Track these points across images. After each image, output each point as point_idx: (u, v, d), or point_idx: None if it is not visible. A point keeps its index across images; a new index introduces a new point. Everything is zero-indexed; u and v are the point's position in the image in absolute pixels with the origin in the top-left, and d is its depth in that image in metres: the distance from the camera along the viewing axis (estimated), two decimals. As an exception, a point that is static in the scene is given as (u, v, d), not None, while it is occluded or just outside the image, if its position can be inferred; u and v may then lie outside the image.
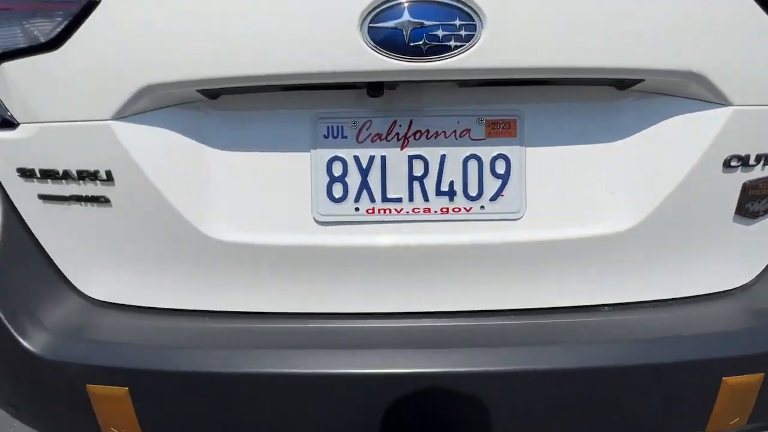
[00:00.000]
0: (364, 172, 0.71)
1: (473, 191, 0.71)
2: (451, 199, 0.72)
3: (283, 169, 0.72)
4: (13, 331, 0.73)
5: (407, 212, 0.72)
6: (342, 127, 0.71)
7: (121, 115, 0.66)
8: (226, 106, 0.71)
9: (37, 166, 0.73)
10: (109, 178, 0.70)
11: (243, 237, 0.72)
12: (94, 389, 0.71)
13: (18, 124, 0.73)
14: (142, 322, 0.76)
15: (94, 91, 0.66)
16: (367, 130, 0.71)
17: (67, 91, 0.67)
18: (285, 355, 0.69)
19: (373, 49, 0.59)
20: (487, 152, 0.71)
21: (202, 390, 0.69)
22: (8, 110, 0.73)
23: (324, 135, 0.71)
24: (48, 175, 0.73)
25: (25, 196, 0.78)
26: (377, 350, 0.69)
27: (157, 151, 0.69)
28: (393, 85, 0.66)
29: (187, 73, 0.62)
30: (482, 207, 0.72)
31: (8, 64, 0.69)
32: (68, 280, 0.82)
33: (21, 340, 0.72)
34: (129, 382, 0.70)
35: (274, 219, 0.73)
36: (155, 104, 0.68)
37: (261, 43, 0.61)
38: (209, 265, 0.74)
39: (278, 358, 0.68)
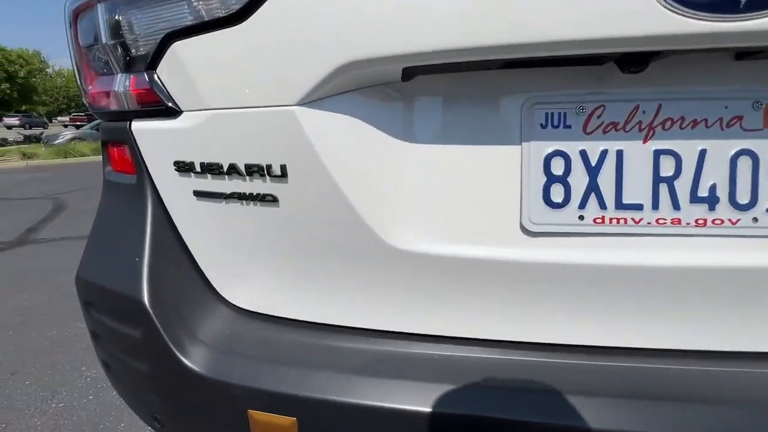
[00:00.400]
0: (594, 171, 0.56)
1: (743, 198, 0.54)
2: (712, 208, 0.55)
3: (485, 167, 0.58)
4: (168, 341, 0.65)
5: (649, 223, 0.56)
6: (564, 114, 0.56)
7: (308, 100, 0.56)
8: (421, 90, 0.59)
9: (198, 159, 0.65)
10: (283, 173, 0.60)
11: (432, 248, 0.59)
12: (257, 416, 0.61)
13: (181, 111, 0.65)
14: (305, 339, 0.66)
15: (279, 72, 0.56)
16: (598, 117, 0.56)
17: (247, 72, 0.57)
18: (489, 395, 0.56)
19: (666, 5, 0.43)
20: (765, 147, 0.53)
21: (389, 428, 0.57)
22: (171, 96, 0.65)
23: (541, 124, 0.57)
24: (210, 169, 0.65)
25: (178, 193, 0.71)
26: (606, 399, 0.54)
27: (341, 143, 0.58)
28: (656, 57, 0.50)
29: (400, 46, 0.50)
30: (755, 219, 0.54)
31: (178, 44, 0.61)
32: (217, 287, 0.74)
33: (177, 353, 0.65)
34: (299, 411, 0.60)
35: (471, 227, 0.59)
36: (342, 87, 0.57)
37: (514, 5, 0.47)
38: (389, 279, 0.62)
39: (482, 399, 0.55)
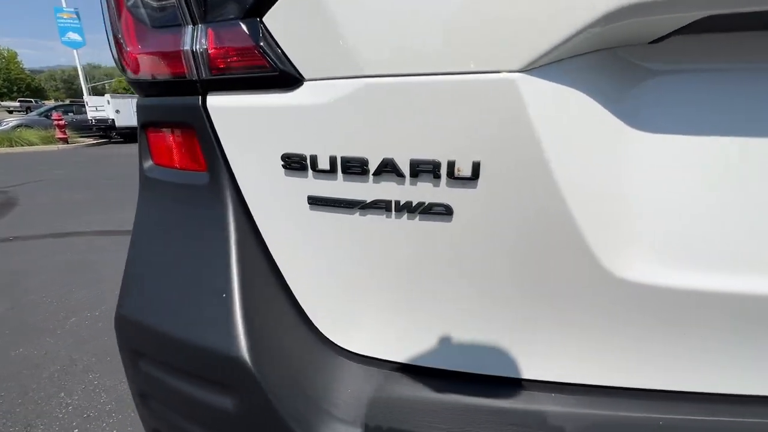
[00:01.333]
0: None
1: None
2: None
3: (743, 167, 0.42)
4: (283, 414, 0.45)
5: None
6: None
7: (535, 65, 0.37)
8: (668, 58, 0.41)
9: (326, 151, 0.45)
10: (474, 174, 0.41)
11: (671, 279, 0.42)
12: None
13: (302, 80, 0.44)
14: (476, 401, 0.47)
15: (497, 18, 0.36)
16: None
17: (434, 20, 0.37)
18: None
19: None
20: None
21: None
22: (288, 58, 0.44)
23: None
24: (347, 167, 0.44)
25: (280, 198, 0.50)
26: None
27: (566, 130, 0.40)
28: None
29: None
30: None
31: None
32: (329, 331, 0.54)
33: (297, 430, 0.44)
34: None
35: (721, 252, 0.43)
36: (579, 49, 0.38)
37: None
38: (612, 319, 0.45)
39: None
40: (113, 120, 13.20)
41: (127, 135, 13.75)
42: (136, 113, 0.62)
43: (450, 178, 0.42)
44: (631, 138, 0.41)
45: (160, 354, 0.52)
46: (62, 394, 1.78)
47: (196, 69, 0.49)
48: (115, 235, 3.87)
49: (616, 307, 0.43)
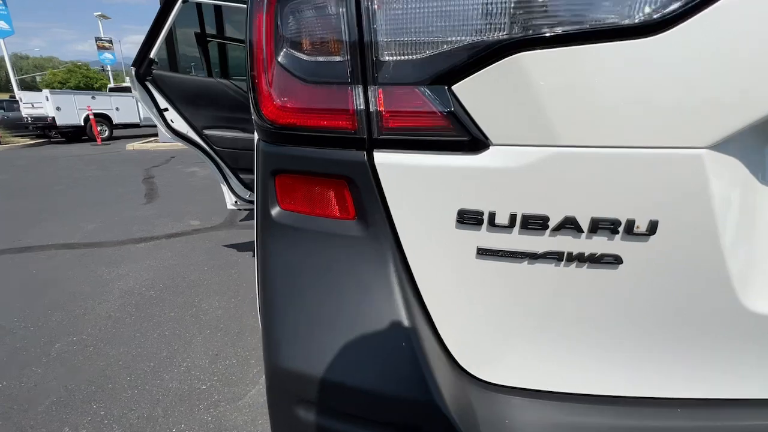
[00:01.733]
0: None
1: None
2: None
3: None
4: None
5: None
6: None
7: (719, 141, 0.43)
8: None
9: (504, 208, 0.48)
10: (651, 230, 0.47)
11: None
12: None
13: (488, 145, 0.48)
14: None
15: (701, 102, 0.41)
16: None
17: (638, 102, 0.42)
18: None
19: None
20: None
21: None
22: (476, 124, 0.47)
23: None
24: (526, 223, 0.48)
25: (444, 248, 0.53)
26: None
27: (726, 189, 0.46)
28: None
29: None
30: None
31: (523, 56, 0.43)
32: (471, 367, 0.57)
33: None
34: None
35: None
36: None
37: None
38: (735, 342, 0.52)
39: None
40: (53, 118, 12.07)
41: (71, 134, 12.64)
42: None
43: (626, 233, 0.47)
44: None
45: (337, 404, 0.53)
46: (66, 428, 1.66)
47: (368, 128, 0.50)
48: (81, 248, 3.59)
49: (747, 333, 0.51)
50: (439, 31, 0.45)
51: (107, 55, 24.24)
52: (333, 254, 0.57)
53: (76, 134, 12.70)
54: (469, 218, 0.50)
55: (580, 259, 0.49)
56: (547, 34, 0.42)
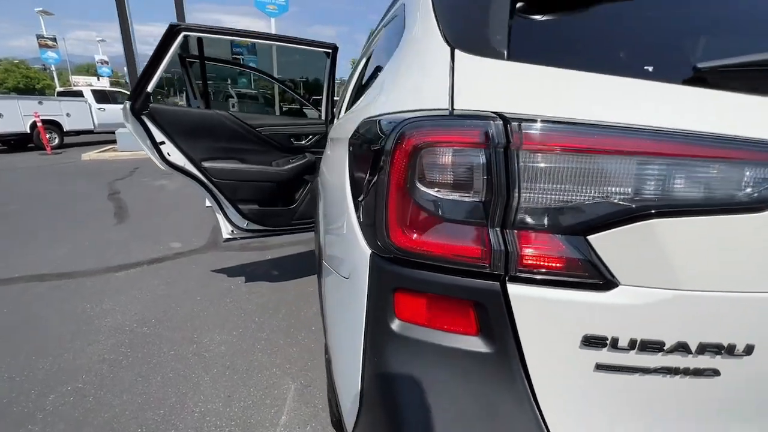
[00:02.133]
0: None
1: None
2: None
3: None
4: None
5: None
6: None
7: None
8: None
9: (625, 335, 0.56)
10: (747, 351, 0.56)
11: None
12: None
13: (617, 285, 0.55)
14: None
15: None
16: None
17: (745, 261, 0.52)
18: None
19: None
20: None
21: None
22: (609, 268, 0.54)
23: None
24: (644, 346, 0.56)
25: (565, 364, 0.60)
26: None
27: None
28: None
29: None
30: None
31: (660, 222, 0.51)
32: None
33: None
34: None
35: None
36: None
37: None
38: None
39: None
40: (-6, 125, 11.05)
41: (13, 142, 11.62)
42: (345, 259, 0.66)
43: (725, 353, 0.56)
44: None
45: None
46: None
47: (505, 265, 0.56)
48: (54, 279, 3.33)
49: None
50: (584, 195, 0.52)
51: (50, 53, 22.57)
52: (454, 366, 0.62)
53: (20, 142, 11.70)
54: (593, 342, 0.57)
55: (686, 372, 0.58)
56: (676, 209, 0.50)
